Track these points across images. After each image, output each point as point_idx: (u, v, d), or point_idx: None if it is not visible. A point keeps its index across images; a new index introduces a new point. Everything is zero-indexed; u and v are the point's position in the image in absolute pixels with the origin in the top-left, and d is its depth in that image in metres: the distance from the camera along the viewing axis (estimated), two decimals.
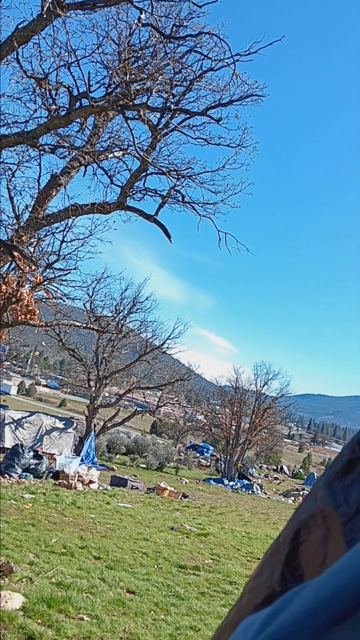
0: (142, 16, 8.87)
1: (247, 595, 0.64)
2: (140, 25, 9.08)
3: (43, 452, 20.67)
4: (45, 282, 13.89)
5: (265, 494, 36.25)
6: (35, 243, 12.92)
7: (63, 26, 8.91)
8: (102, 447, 35.85)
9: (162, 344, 31.46)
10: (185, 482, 31.88)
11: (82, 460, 23.48)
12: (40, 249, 13.91)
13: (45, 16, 7.96)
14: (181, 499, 21.95)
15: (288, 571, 0.62)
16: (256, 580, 0.65)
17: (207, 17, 9.65)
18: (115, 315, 29.04)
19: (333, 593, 0.45)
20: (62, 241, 13.55)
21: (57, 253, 13.74)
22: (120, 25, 9.61)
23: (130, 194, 11.41)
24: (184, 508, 18.61)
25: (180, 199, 11.66)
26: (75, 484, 17.06)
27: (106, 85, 9.52)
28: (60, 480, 17.28)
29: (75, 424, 27.45)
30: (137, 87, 9.35)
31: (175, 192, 11.57)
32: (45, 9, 7.90)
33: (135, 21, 9.07)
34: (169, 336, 31.10)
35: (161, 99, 10.57)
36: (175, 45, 9.85)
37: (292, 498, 36.14)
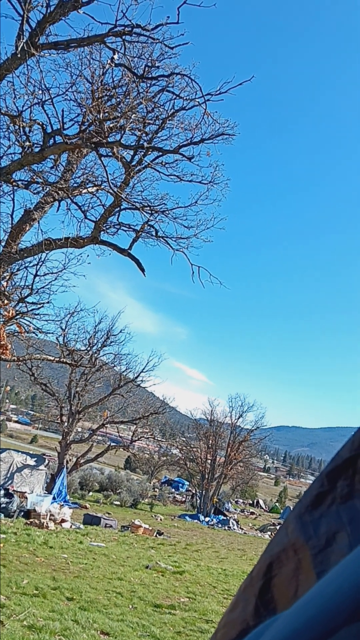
0: (115, 56, 9.11)
1: (222, 630, 0.65)
2: (113, 65, 9.31)
3: (14, 491, 20.16)
4: (18, 316, 13.77)
5: (242, 529, 35.82)
6: (7, 277, 12.86)
7: (37, 65, 9.09)
8: (74, 484, 35.09)
9: (136, 377, 31.20)
10: (160, 519, 31.34)
11: (54, 498, 22.95)
12: (13, 282, 13.83)
13: (19, 55, 8.13)
14: (156, 536, 21.53)
15: (261, 604, 0.63)
16: (230, 614, 0.65)
17: (178, 58, 9.95)
18: (89, 348, 28.77)
19: (303, 624, 0.46)
20: (35, 275, 13.52)
21: (30, 287, 13.67)
22: (93, 64, 9.83)
23: (104, 228, 11.52)
24: (159, 546, 18.25)
25: (153, 233, 11.82)
26: (47, 523, 16.65)
27: (80, 123, 9.68)
28: (31, 520, 16.85)
29: (47, 461, 26.89)
30: (111, 125, 9.53)
31: (149, 227, 11.73)
32: (19, 48, 8.06)
33: (109, 61, 9.30)
34: (143, 369, 30.89)
35: (134, 136, 10.79)
36: (148, 84, 10.11)
37: (269, 533, 35.72)
